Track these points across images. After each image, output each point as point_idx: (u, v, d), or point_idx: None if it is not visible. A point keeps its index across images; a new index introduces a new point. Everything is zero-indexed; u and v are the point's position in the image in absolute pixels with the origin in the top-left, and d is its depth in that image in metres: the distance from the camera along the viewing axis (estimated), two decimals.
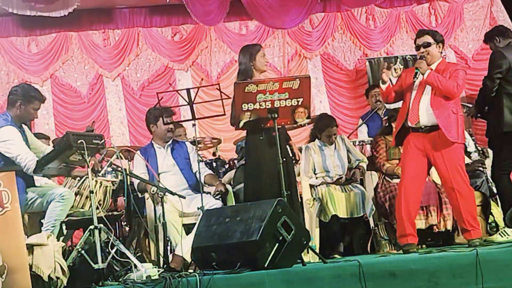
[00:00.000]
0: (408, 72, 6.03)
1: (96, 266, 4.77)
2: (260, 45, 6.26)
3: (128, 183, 6.21)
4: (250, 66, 6.00)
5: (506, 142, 6.23)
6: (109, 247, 4.91)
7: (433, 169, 6.31)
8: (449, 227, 6.59)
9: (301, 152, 6.92)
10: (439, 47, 5.94)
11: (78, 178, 5.60)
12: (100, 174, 5.87)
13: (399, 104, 6.54)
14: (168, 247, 5.90)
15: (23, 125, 5.63)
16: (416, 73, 5.91)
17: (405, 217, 5.81)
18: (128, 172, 6.18)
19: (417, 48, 5.98)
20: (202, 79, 9.10)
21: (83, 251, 4.85)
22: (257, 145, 5.91)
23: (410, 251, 5.69)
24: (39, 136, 6.56)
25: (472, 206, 5.81)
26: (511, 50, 6.38)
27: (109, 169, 6.41)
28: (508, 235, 6.12)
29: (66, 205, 5.36)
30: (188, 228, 6.15)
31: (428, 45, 5.91)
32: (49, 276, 4.45)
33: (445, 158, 5.75)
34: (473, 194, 5.85)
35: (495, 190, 7.10)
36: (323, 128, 6.96)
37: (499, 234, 6.23)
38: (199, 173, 6.11)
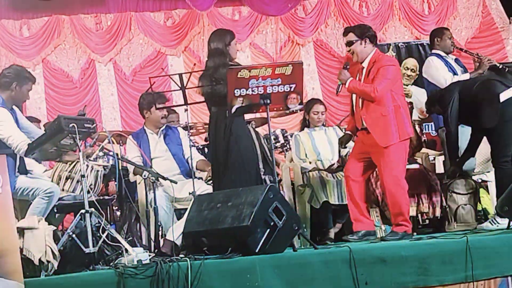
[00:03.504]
0: (353, 73, 5.97)
1: (87, 250, 4.78)
2: (233, 33, 6.21)
3: (120, 167, 6.21)
4: (227, 51, 5.95)
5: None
6: (100, 231, 4.90)
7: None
8: (438, 214, 6.62)
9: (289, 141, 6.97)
10: (365, 41, 5.86)
11: (70, 162, 5.58)
12: (91, 159, 5.86)
13: None
14: (159, 232, 5.90)
15: (14, 107, 5.61)
16: (339, 85, 5.96)
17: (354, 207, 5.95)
18: (119, 156, 6.17)
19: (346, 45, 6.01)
20: (194, 64, 9.08)
21: (74, 235, 4.85)
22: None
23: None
24: (29, 119, 6.54)
25: (395, 205, 5.79)
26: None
27: (101, 153, 6.40)
28: (498, 223, 6.15)
29: (50, 203, 5.35)
30: (179, 213, 6.16)
31: (350, 43, 5.90)
32: (39, 259, 4.44)
33: (380, 161, 5.75)
34: (399, 195, 5.79)
35: (484, 178, 7.13)
36: (311, 106, 7.03)
37: (490, 222, 6.25)
38: (191, 158, 6.10)
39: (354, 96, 5.97)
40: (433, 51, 7.37)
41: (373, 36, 5.93)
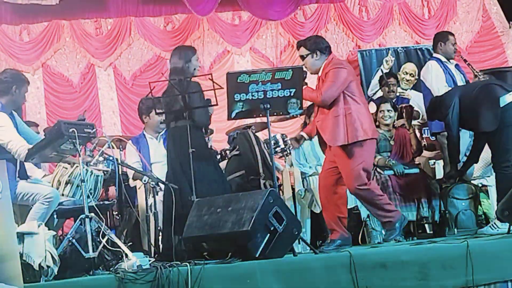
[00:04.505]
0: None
1: (87, 255, 4.78)
2: (195, 49, 6.21)
3: (120, 172, 6.20)
4: (186, 67, 5.93)
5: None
6: (100, 236, 4.90)
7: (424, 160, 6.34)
8: (437, 218, 6.62)
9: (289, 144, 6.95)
10: (317, 54, 5.88)
11: (70, 167, 5.58)
12: (91, 163, 5.86)
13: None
14: (159, 237, 5.89)
15: (14, 113, 5.61)
16: None
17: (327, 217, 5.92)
18: (119, 161, 6.17)
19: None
20: (194, 69, 9.02)
21: (74, 240, 4.85)
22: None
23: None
24: (27, 124, 6.54)
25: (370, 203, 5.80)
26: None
27: (101, 158, 6.40)
28: (498, 227, 6.15)
29: (50, 208, 5.34)
30: None
31: (302, 58, 5.97)
32: (39, 264, 4.44)
33: (340, 163, 5.78)
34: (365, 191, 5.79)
35: (484, 182, 7.13)
36: (312, 111, 7.01)
37: (490, 226, 6.25)
38: (191, 162, 6.09)
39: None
40: (434, 55, 7.39)
41: (324, 48, 5.93)
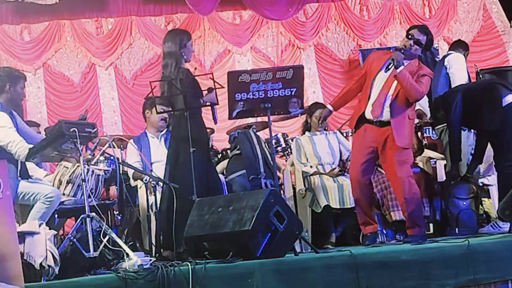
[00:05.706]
0: (375, 59, 5.90)
1: (88, 255, 4.78)
2: (190, 33, 6.13)
3: (121, 172, 6.20)
4: (180, 52, 5.84)
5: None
6: (101, 236, 4.90)
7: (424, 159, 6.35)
8: (438, 217, 6.62)
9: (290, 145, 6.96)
10: (417, 49, 5.75)
11: (71, 166, 5.59)
12: (92, 163, 5.86)
13: None
14: (161, 236, 5.89)
15: (13, 112, 5.60)
16: (390, 63, 5.68)
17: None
18: (120, 161, 6.17)
19: (408, 36, 5.77)
20: (195, 68, 9.02)
21: (75, 240, 4.85)
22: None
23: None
24: (29, 123, 6.53)
25: (416, 207, 5.78)
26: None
27: (102, 158, 6.40)
28: (500, 227, 6.14)
29: (51, 207, 5.34)
30: None
31: (418, 43, 5.73)
32: (40, 264, 4.44)
33: (394, 158, 5.68)
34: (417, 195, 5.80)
35: (485, 182, 7.12)
36: (314, 110, 7.00)
37: (491, 226, 6.25)
38: (192, 163, 6.09)
39: (380, 83, 5.79)
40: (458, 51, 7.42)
41: (426, 50, 5.90)
